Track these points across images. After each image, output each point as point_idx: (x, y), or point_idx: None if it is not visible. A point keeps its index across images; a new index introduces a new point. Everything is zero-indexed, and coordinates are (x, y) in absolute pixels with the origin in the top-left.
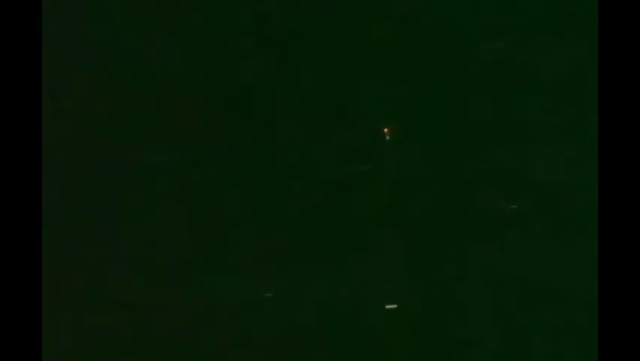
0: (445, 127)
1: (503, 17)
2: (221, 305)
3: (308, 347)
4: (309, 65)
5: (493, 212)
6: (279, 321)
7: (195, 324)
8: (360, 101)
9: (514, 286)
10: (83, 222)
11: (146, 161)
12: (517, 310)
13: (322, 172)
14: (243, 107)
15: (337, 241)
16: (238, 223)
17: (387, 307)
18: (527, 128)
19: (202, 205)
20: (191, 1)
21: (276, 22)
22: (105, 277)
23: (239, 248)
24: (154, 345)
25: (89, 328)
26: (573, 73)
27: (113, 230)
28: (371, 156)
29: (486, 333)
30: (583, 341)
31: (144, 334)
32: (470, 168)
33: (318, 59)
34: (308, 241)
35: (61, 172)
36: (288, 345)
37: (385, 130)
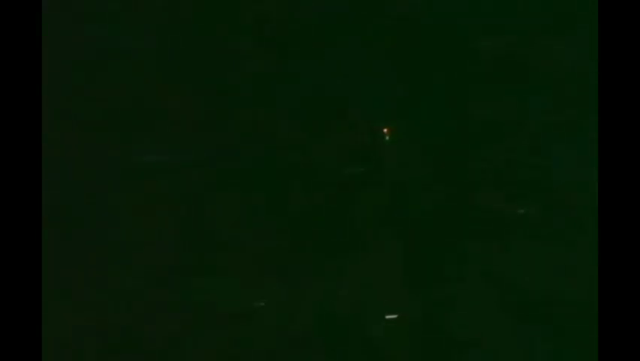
0: (445, 127)
1: (503, 17)
2: (219, 308)
3: (308, 348)
4: (309, 65)
5: (493, 212)
6: (280, 321)
7: (192, 327)
8: (360, 101)
9: (514, 286)
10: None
11: (144, 161)
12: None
13: (322, 172)
14: (243, 107)
15: (337, 241)
16: (238, 224)
17: (388, 317)
18: (527, 128)
19: (200, 206)
20: (191, 2)
21: (276, 22)
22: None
23: (238, 249)
24: (150, 347)
25: (81, 330)
26: (573, 73)
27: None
28: (371, 156)
29: (486, 333)
30: (583, 341)
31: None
32: (470, 168)
33: (318, 59)
34: (308, 241)
35: (60, 172)
36: (289, 346)
37: (385, 130)
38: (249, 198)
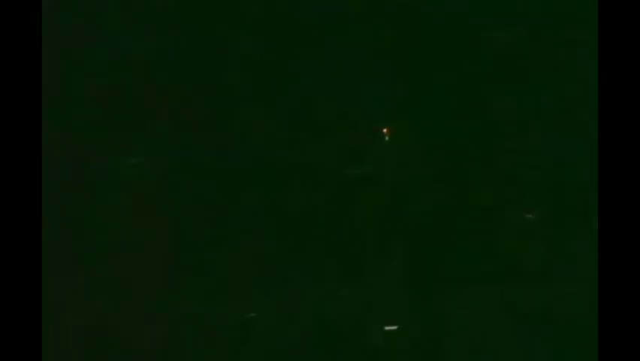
0: (444, 127)
1: (503, 16)
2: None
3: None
4: (309, 64)
5: (494, 212)
6: (280, 322)
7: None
8: (360, 101)
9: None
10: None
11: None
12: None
13: (322, 172)
14: (243, 107)
15: (337, 241)
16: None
17: (387, 328)
18: (527, 127)
19: (200, 206)
20: (191, 1)
21: (276, 22)
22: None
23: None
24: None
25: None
26: (573, 72)
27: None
28: (371, 156)
29: (486, 333)
30: (583, 341)
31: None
32: (470, 168)
33: (318, 58)
34: (307, 241)
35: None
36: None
37: (385, 130)
38: (249, 199)
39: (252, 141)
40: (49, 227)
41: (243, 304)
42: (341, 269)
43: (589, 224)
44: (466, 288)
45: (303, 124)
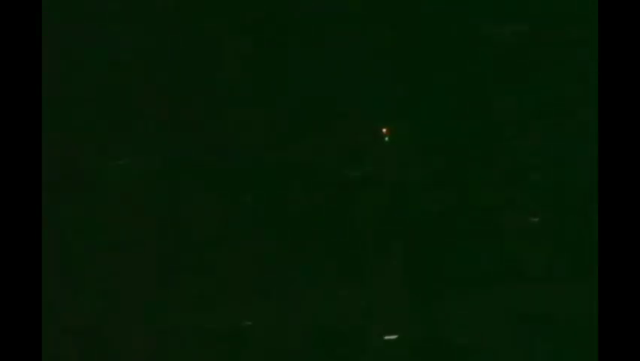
0: (444, 127)
1: (503, 16)
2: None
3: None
4: (308, 64)
5: (493, 212)
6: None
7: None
8: (360, 101)
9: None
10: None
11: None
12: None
13: (322, 172)
14: (242, 107)
15: (337, 241)
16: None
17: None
18: (527, 127)
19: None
20: (191, 2)
21: (276, 22)
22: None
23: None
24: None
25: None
26: (573, 72)
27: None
28: (371, 156)
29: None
30: (583, 341)
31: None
32: (470, 168)
33: (318, 58)
34: (307, 241)
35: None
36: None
37: (385, 130)
38: (248, 198)
39: (251, 141)
40: (48, 227)
41: (242, 305)
42: (341, 269)
43: (589, 224)
44: (466, 288)
45: (303, 124)
